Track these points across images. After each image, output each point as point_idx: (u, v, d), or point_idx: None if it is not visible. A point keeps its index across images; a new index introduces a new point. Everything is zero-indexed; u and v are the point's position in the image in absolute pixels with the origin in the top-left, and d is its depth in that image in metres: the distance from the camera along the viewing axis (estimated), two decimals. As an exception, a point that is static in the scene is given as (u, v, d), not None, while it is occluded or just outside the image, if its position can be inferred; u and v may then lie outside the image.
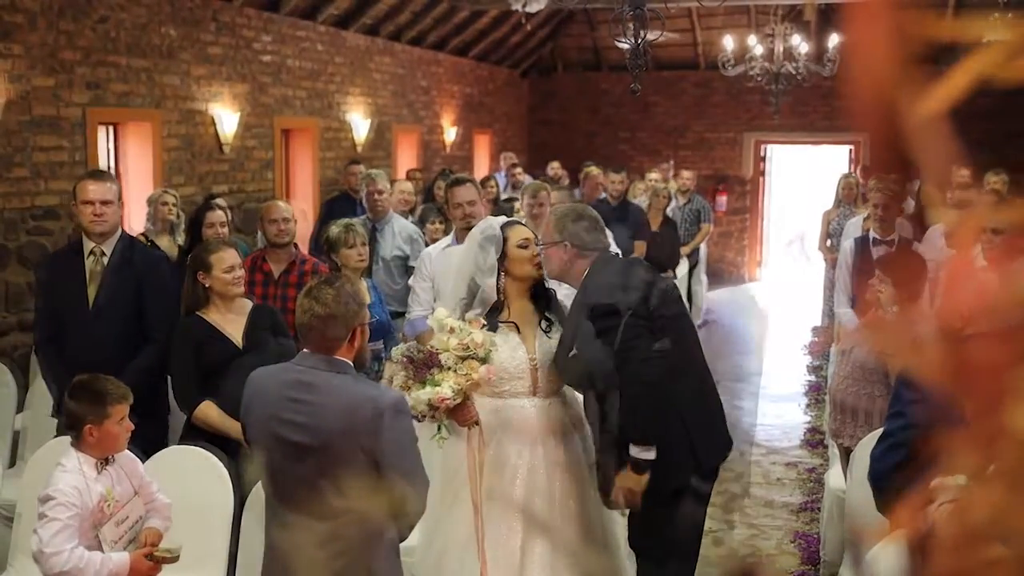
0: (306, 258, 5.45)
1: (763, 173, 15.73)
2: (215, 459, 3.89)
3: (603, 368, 3.47)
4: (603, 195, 9.03)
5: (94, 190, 4.50)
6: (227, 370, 4.02)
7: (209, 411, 4.08)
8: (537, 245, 3.83)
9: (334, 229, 5.14)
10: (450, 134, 13.52)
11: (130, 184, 7.80)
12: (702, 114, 15.55)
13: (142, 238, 5.85)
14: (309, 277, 4.85)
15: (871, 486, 2.84)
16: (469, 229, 4.29)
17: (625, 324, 3.47)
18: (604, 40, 13.47)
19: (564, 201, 6.54)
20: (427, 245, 6.12)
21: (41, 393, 5.07)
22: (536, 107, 16.48)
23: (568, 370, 3.69)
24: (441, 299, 4.48)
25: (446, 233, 6.23)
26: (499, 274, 3.78)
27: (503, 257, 3.78)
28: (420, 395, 3.43)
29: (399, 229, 6.62)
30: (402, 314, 5.58)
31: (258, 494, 3.58)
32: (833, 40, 10.66)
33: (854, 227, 7.26)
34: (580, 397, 3.88)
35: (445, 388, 3.43)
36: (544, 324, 3.84)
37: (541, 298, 3.89)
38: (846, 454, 4.78)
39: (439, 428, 3.61)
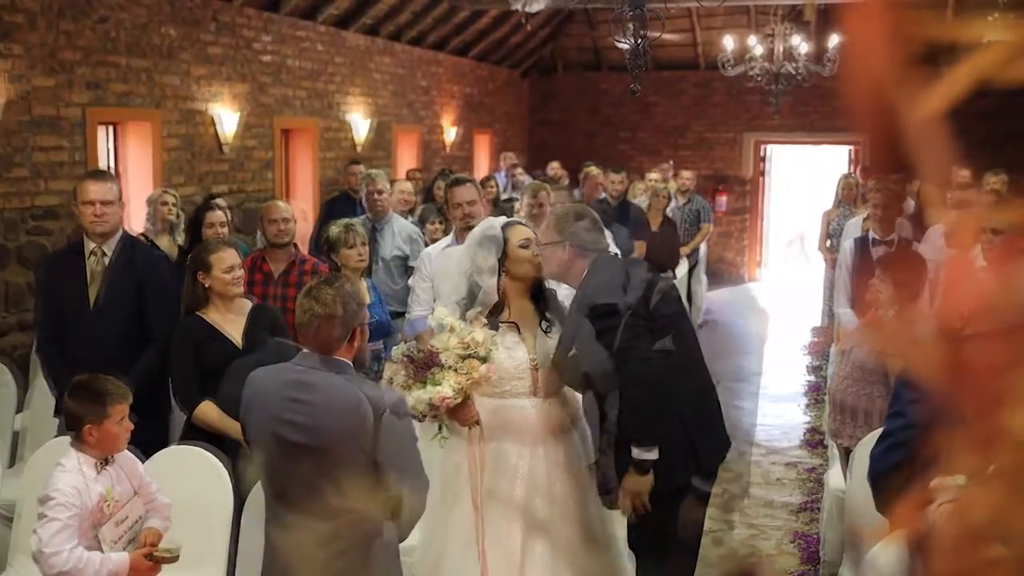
0: (306, 258, 5.45)
1: (763, 173, 15.73)
2: (215, 459, 3.89)
3: (602, 368, 3.47)
4: (603, 195, 9.03)
5: (95, 190, 4.50)
6: (227, 370, 4.02)
7: (209, 411, 4.09)
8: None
9: (334, 229, 5.15)
10: (450, 134, 13.52)
11: (130, 184, 7.80)
12: (702, 114, 15.55)
13: (142, 238, 5.85)
14: (309, 277, 4.85)
15: (871, 486, 2.84)
16: (469, 229, 4.29)
17: (625, 324, 3.47)
18: (604, 40, 13.46)
19: (564, 201, 6.54)
20: (427, 245, 6.12)
21: (41, 393, 5.07)
22: (536, 107, 16.48)
23: (567, 370, 3.69)
24: (441, 299, 4.47)
25: (446, 233, 6.23)
26: (499, 274, 3.78)
27: (504, 257, 3.78)
28: (421, 395, 3.42)
29: (399, 229, 6.62)
30: (402, 314, 5.58)
31: (257, 494, 3.57)
32: (833, 40, 10.66)
33: (854, 227, 7.26)
34: (580, 397, 3.88)
35: (446, 387, 3.42)
36: (544, 324, 3.84)
37: (541, 298, 3.90)
38: (846, 454, 4.78)
39: (440, 428, 3.62)
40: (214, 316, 4.23)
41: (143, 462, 3.51)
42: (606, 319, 3.50)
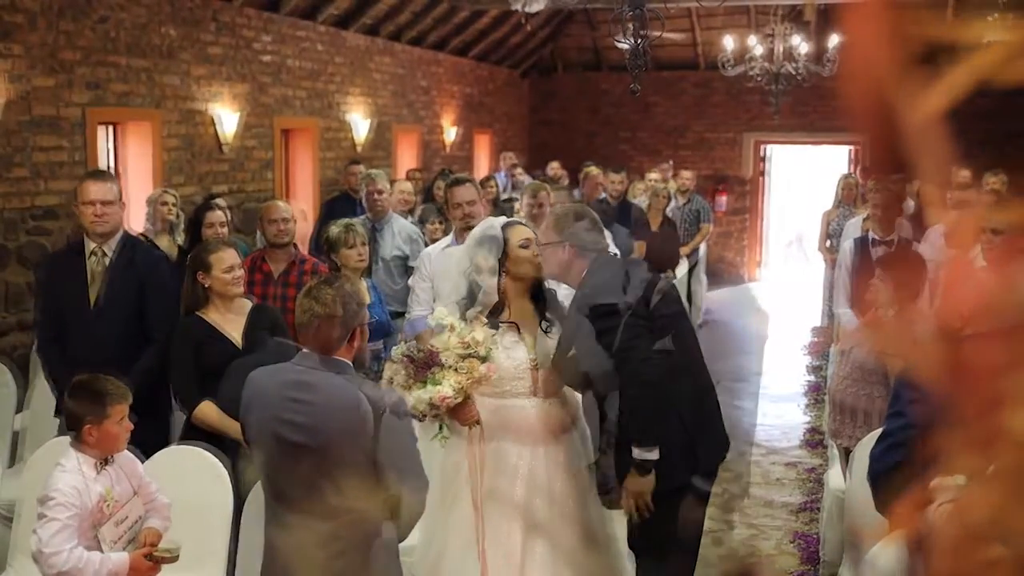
0: (306, 258, 5.45)
1: (763, 173, 15.73)
2: (214, 459, 3.89)
3: (602, 368, 3.47)
4: (603, 195, 9.03)
5: (95, 190, 4.50)
6: (227, 370, 4.02)
7: (209, 411, 4.09)
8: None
9: (334, 229, 5.15)
10: (450, 134, 13.52)
11: (130, 184, 7.80)
12: (702, 114, 15.55)
13: (142, 238, 5.85)
14: (309, 277, 4.85)
15: (870, 486, 2.84)
16: (469, 229, 4.29)
17: (625, 324, 3.47)
18: (604, 40, 13.47)
19: (564, 201, 6.54)
20: (427, 245, 6.12)
21: (41, 393, 5.07)
22: (536, 107, 16.48)
23: (567, 370, 3.69)
24: (441, 299, 4.48)
25: (446, 233, 6.23)
26: (499, 274, 3.78)
27: (504, 257, 3.78)
28: (421, 395, 3.42)
29: (399, 229, 6.62)
30: (402, 314, 5.58)
31: (257, 494, 3.57)
32: (833, 40, 10.66)
33: (854, 228, 7.26)
34: (580, 397, 3.87)
35: (446, 387, 3.42)
36: (544, 324, 3.84)
37: (541, 298, 3.90)
38: (846, 454, 4.78)
39: (440, 428, 3.61)
40: (214, 316, 4.23)
41: (143, 462, 3.51)
42: (606, 319, 3.50)
